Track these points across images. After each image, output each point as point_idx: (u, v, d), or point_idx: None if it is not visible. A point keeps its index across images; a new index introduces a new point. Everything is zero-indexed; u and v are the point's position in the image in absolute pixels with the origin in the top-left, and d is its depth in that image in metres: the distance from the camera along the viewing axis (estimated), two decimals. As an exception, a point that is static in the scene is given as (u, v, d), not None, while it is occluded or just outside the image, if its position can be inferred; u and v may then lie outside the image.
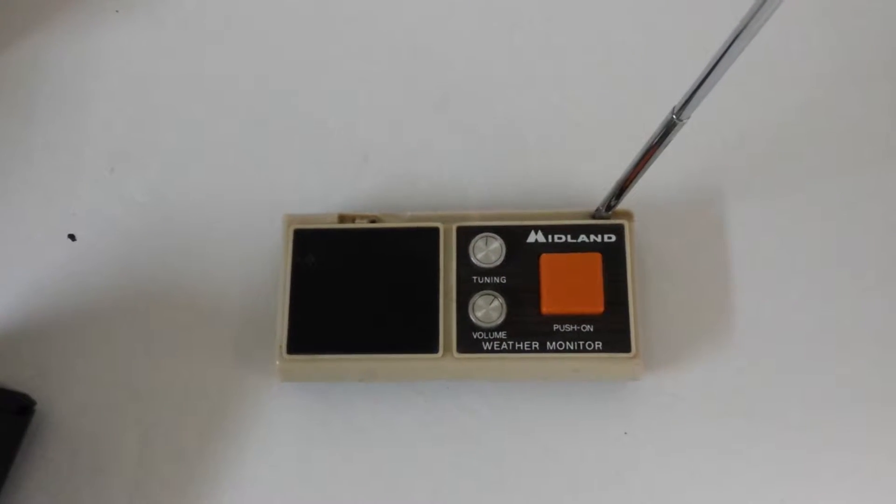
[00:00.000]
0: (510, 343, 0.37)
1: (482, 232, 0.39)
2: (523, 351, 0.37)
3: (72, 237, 0.43)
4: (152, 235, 0.43)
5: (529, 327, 0.37)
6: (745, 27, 0.24)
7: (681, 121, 0.29)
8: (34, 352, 0.41)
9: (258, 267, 0.42)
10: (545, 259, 0.38)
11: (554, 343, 0.37)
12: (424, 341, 0.37)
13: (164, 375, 0.41)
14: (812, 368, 0.40)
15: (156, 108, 0.45)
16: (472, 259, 0.38)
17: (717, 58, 0.26)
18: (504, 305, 0.38)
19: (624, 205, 0.38)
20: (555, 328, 0.37)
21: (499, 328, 0.37)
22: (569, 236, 0.39)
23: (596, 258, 0.38)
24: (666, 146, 0.31)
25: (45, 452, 0.39)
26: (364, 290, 0.38)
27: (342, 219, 0.40)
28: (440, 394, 0.40)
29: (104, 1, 0.47)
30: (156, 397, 0.40)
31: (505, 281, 0.38)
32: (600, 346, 0.37)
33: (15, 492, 0.39)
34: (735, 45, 0.25)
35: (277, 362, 0.38)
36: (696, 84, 0.27)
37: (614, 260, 0.38)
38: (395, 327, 0.38)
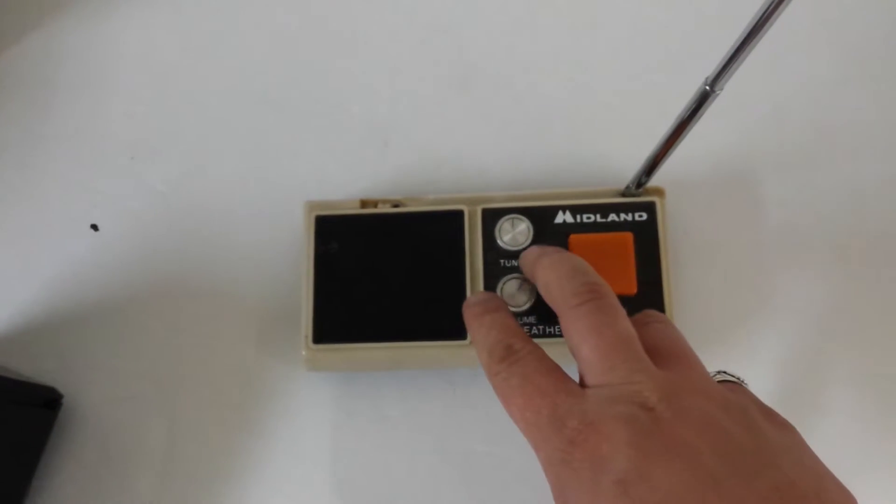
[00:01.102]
0: (540, 327, 0.36)
1: (508, 213, 0.38)
2: (554, 335, 0.36)
3: (94, 227, 0.42)
4: (174, 224, 0.42)
5: (559, 311, 0.36)
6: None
7: (714, 92, 0.28)
8: (59, 344, 0.41)
9: (280, 254, 0.41)
10: (574, 240, 0.37)
11: (585, 326, 0.36)
12: (452, 328, 0.36)
13: (188, 366, 0.40)
14: (851, 350, 0.38)
15: (175, 95, 0.45)
16: (499, 242, 0.37)
17: (753, 24, 0.25)
18: (533, 289, 0.36)
19: (654, 182, 0.37)
20: (586, 311, 0.36)
21: (528, 312, 0.36)
22: (598, 216, 0.38)
23: (627, 238, 0.37)
24: (699, 119, 0.30)
25: (73, 445, 0.39)
26: (389, 277, 0.37)
27: (364, 204, 0.39)
28: (468, 381, 0.39)
29: (121, -13, 0.47)
30: (181, 388, 0.40)
31: (533, 263, 0.37)
32: (635, 328, 0.36)
33: (44, 484, 0.39)
34: (771, 9, 0.24)
35: (304, 352, 0.37)
36: (731, 52, 0.26)
37: (646, 239, 0.37)
38: (421, 314, 0.37)
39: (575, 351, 0.28)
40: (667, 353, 0.28)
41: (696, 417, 0.25)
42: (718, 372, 0.31)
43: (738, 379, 0.30)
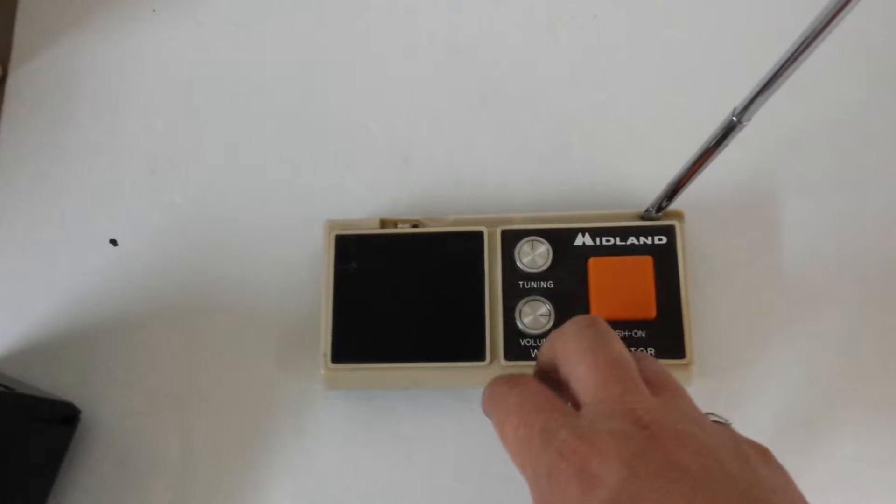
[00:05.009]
0: (559, 350, 0.36)
1: (528, 235, 0.38)
2: (572, 359, 0.36)
3: (113, 242, 0.42)
4: (193, 239, 0.42)
5: (579, 334, 0.36)
6: (818, 33, 0.22)
7: (742, 123, 0.28)
8: (77, 358, 0.41)
9: (299, 271, 0.41)
10: (593, 263, 0.37)
11: (604, 350, 0.36)
12: (471, 349, 0.37)
13: (206, 382, 0.40)
14: (869, 375, 0.38)
15: (195, 110, 0.45)
16: (518, 264, 0.37)
17: (786, 59, 0.25)
18: (552, 311, 0.37)
19: (673, 205, 0.37)
20: (605, 335, 0.36)
21: (547, 335, 0.36)
22: (617, 238, 0.38)
23: (647, 261, 0.37)
24: (724, 148, 0.30)
25: (90, 460, 0.39)
26: (408, 297, 0.37)
27: (384, 224, 0.39)
28: (486, 401, 0.39)
29: (140, 0, 0.47)
30: (199, 404, 0.40)
31: (552, 286, 0.37)
32: (653, 352, 0.36)
33: (61, 500, 0.39)
34: (804, 47, 0.24)
35: (322, 371, 0.37)
36: (761, 86, 0.26)
37: (665, 263, 0.37)
38: (440, 335, 0.37)
39: (570, 373, 0.28)
40: (658, 385, 0.28)
41: (691, 443, 0.24)
42: (707, 413, 0.31)
43: (725, 421, 0.30)
